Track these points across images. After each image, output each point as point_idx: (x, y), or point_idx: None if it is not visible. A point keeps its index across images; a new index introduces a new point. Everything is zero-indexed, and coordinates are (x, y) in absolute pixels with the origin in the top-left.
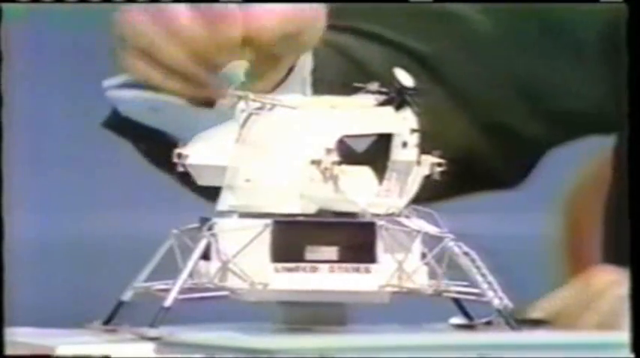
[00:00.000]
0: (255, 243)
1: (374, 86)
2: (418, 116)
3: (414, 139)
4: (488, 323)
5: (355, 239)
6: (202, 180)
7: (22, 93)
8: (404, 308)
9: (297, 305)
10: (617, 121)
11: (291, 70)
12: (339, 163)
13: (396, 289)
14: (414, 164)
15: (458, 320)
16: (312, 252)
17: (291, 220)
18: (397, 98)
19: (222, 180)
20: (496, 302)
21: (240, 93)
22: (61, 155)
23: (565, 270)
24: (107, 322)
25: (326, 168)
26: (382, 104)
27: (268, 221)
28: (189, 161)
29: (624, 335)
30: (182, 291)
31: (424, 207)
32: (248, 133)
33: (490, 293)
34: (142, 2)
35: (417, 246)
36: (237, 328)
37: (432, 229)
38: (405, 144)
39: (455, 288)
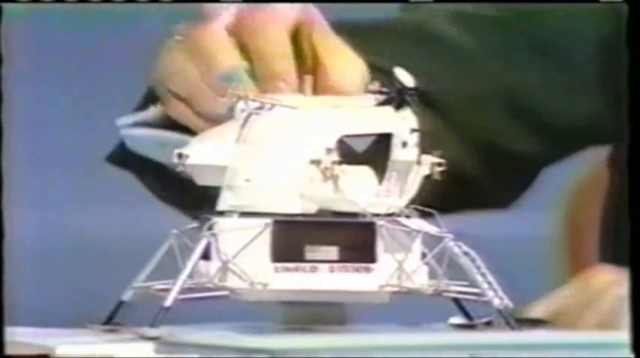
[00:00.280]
0: (255, 242)
1: (374, 86)
2: (418, 116)
3: (413, 139)
4: (488, 323)
5: (355, 239)
6: (202, 180)
7: (22, 94)
8: (404, 308)
9: (297, 305)
10: (612, 133)
11: None
12: (339, 163)
13: (396, 289)
14: (414, 164)
15: (458, 320)
16: (312, 252)
17: (291, 220)
18: (397, 98)
19: (222, 180)
20: (496, 302)
21: (240, 93)
22: (61, 155)
23: (565, 270)
24: (107, 322)
25: (326, 168)
26: (382, 104)
27: (268, 221)
28: (189, 161)
29: (624, 335)
30: (182, 291)
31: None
32: (248, 133)
33: (490, 293)
34: (142, 2)
35: (417, 246)
36: (237, 328)
37: (432, 229)
38: (404, 144)
39: (455, 288)
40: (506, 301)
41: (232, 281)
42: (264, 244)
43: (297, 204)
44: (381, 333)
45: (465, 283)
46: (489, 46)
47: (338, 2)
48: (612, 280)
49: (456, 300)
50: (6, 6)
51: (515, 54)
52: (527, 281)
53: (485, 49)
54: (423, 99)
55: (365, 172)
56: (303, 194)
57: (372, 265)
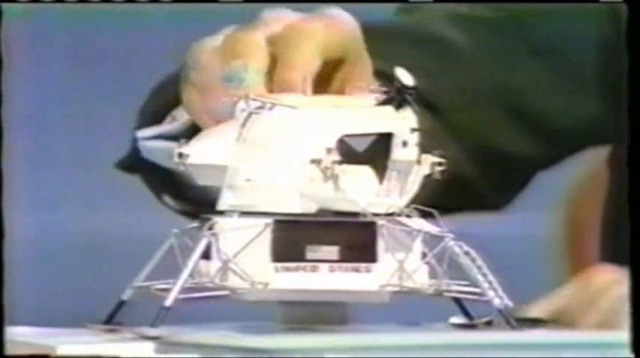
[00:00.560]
0: (256, 242)
1: (374, 85)
2: (418, 115)
3: (414, 138)
4: (489, 322)
5: (356, 238)
6: (203, 180)
7: (22, 93)
8: (404, 308)
9: (298, 304)
10: (612, 133)
11: None
12: (340, 163)
13: (396, 288)
14: (415, 163)
15: (458, 319)
16: (313, 252)
17: (292, 220)
18: (397, 97)
19: (223, 180)
20: (496, 301)
21: (240, 92)
22: (61, 155)
23: (565, 269)
24: (107, 321)
25: (326, 168)
26: (382, 103)
27: (269, 220)
28: (189, 160)
29: (624, 335)
30: (182, 291)
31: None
32: (248, 133)
33: (490, 293)
34: (143, 2)
35: (418, 246)
36: (238, 328)
37: (433, 228)
38: (405, 144)
39: (455, 288)
40: (507, 301)
41: (233, 281)
42: (265, 244)
43: (297, 203)
44: (381, 333)
45: (466, 283)
46: (487, 47)
47: (338, 2)
48: (613, 280)
49: (457, 300)
50: (6, 6)
51: (513, 55)
52: (527, 280)
53: (483, 51)
54: (420, 101)
55: (365, 172)
56: (304, 193)
57: (372, 265)
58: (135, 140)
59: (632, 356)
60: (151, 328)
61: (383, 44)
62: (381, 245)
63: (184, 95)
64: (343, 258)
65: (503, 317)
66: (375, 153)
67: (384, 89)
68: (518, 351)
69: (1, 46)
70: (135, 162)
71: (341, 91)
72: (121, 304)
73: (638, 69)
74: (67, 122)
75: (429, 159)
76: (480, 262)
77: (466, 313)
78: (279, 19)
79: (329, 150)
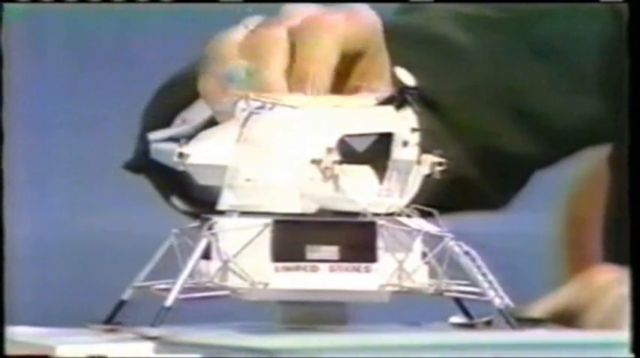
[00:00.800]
0: (256, 242)
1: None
2: (420, 115)
3: (414, 138)
4: (489, 322)
5: (356, 238)
6: (203, 180)
7: (22, 94)
8: (404, 308)
9: (298, 304)
10: (611, 133)
11: None
12: (340, 162)
13: (396, 288)
14: (415, 163)
15: (458, 319)
16: (313, 252)
17: (292, 219)
18: (398, 97)
19: (223, 180)
20: (497, 301)
21: (240, 92)
22: (61, 155)
23: (566, 269)
24: (108, 321)
25: (326, 168)
26: (383, 103)
27: (269, 220)
28: (189, 160)
29: (625, 335)
30: (183, 291)
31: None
32: (248, 133)
33: (491, 293)
34: (143, 2)
35: (418, 246)
36: (238, 327)
37: (433, 228)
38: (405, 144)
39: (455, 288)
40: (507, 300)
41: (233, 281)
42: (265, 244)
43: (297, 203)
44: (381, 333)
45: (466, 282)
46: (490, 46)
47: (339, 2)
48: (614, 279)
49: (457, 300)
50: (6, 6)
51: (515, 55)
52: (528, 280)
53: (486, 50)
54: (422, 100)
55: (365, 172)
56: (304, 193)
57: (372, 265)
58: (144, 141)
59: (632, 356)
60: (151, 328)
61: (386, 43)
62: (381, 245)
63: (203, 86)
64: (343, 258)
65: (504, 317)
66: (376, 153)
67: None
68: (518, 351)
69: (1, 46)
70: (143, 164)
71: (359, 86)
72: (121, 304)
73: (638, 69)
74: (67, 122)
75: (429, 159)
76: (479, 262)
77: (466, 313)
78: (301, 12)
79: (329, 150)
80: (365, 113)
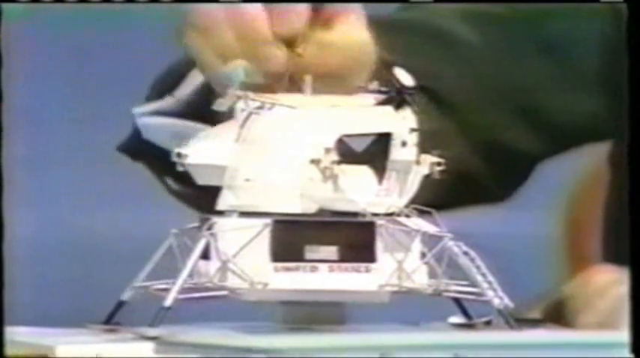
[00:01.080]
0: (255, 242)
1: (373, 85)
2: (422, 112)
3: (413, 139)
4: (488, 322)
5: (355, 238)
6: (202, 180)
7: (22, 93)
8: (403, 308)
9: (297, 304)
10: (611, 130)
11: None
12: (339, 163)
13: (395, 288)
14: (414, 163)
15: (457, 319)
16: (312, 252)
17: (291, 220)
18: (396, 97)
19: (222, 180)
20: (496, 301)
21: (240, 92)
22: (61, 155)
23: (565, 269)
24: (107, 321)
25: (325, 168)
26: (381, 103)
27: (268, 220)
28: (188, 160)
29: (624, 335)
30: (182, 291)
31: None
32: (248, 133)
33: (490, 293)
34: (142, 2)
35: (417, 246)
36: (237, 327)
37: (432, 228)
38: (404, 144)
39: (454, 288)
40: (506, 301)
41: (232, 281)
42: (264, 244)
43: (296, 203)
44: (380, 333)
45: (465, 283)
46: (495, 43)
47: (339, 1)
48: (613, 279)
49: (456, 300)
50: (6, 6)
51: (519, 52)
52: (527, 280)
53: (491, 46)
54: (427, 95)
55: (364, 172)
56: (303, 194)
57: (371, 265)
58: (135, 120)
59: (632, 356)
60: (151, 328)
61: (392, 37)
62: (380, 245)
63: (186, 40)
64: (342, 258)
65: (503, 317)
66: (375, 153)
67: (384, 89)
68: (518, 351)
69: (1, 46)
70: (136, 145)
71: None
72: (121, 304)
73: (638, 68)
74: (67, 122)
75: (428, 159)
76: (479, 262)
77: (465, 313)
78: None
79: (328, 150)
80: (364, 113)
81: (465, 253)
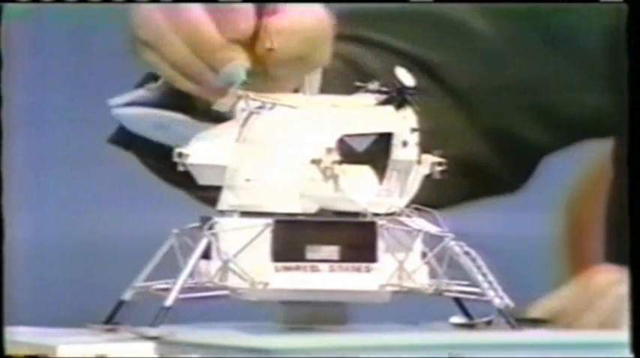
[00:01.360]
0: (256, 242)
1: (374, 85)
2: (419, 116)
3: (414, 138)
4: (489, 322)
5: (356, 238)
6: (203, 180)
7: (22, 93)
8: (404, 308)
9: (298, 304)
10: (616, 126)
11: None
12: (340, 162)
13: (396, 288)
14: (415, 163)
15: (458, 319)
16: (313, 252)
17: (292, 219)
18: (397, 97)
19: (223, 180)
20: (497, 301)
21: (240, 92)
22: (61, 155)
23: (566, 269)
24: (108, 321)
25: (326, 168)
26: (382, 103)
27: (269, 220)
28: (189, 160)
29: (624, 335)
30: (183, 291)
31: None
32: (248, 132)
33: (491, 293)
34: (142, 2)
35: (418, 246)
36: (238, 327)
37: (433, 228)
38: (405, 144)
39: (455, 288)
40: (507, 300)
41: (233, 281)
42: (265, 244)
43: (297, 203)
44: (381, 333)
45: (466, 282)
46: (508, 36)
47: (338, 1)
48: (614, 280)
49: (457, 300)
50: (6, 6)
51: (530, 45)
52: (527, 280)
53: (502, 38)
54: (436, 82)
55: (365, 172)
56: (304, 193)
57: (372, 265)
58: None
59: (632, 356)
60: (151, 328)
61: (407, 26)
62: (381, 245)
63: (142, 57)
64: (343, 258)
65: (504, 317)
66: (375, 153)
67: (385, 89)
68: (518, 351)
69: (1, 46)
70: (125, 136)
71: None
72: (121, 304)
73: (638, 68)
74: (67, 122)
75: (429, 158)
76: (480, 262)
77: (466, 313)
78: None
79: (329, 150)
80: (365, 113)
81: (466, 253)
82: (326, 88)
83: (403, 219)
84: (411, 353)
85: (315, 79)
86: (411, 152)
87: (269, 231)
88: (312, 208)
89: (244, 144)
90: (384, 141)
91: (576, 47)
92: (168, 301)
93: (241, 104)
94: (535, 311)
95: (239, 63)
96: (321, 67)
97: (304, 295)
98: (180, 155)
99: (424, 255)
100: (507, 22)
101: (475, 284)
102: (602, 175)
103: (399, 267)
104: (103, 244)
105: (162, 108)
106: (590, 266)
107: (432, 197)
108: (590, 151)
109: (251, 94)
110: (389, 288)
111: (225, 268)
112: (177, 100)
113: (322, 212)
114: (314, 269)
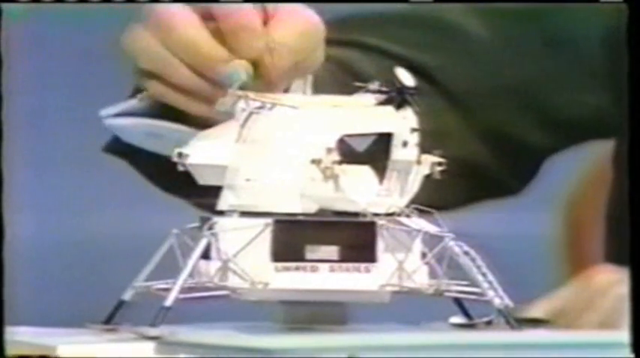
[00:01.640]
0: (256, 242)
1: (374, 85)
2: (419, 117)
3: (414, 138)
4: (489, 322)
5: (356, 238)
6: (203, 180)
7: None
8: (404, 308)
9: (298, 304)
10: (616, 127)
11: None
12: (340, 162)
13: (396, 288)
14: (415, 163)
15: (458, 319)
16: (313, 252)
17: (292, 219)
18: (397, 97)
19: (223, 180)
20: (496, 301)
21: (240, 92)
22: (61, 155)
23: (566, 269)
24: (108, 321)
25: (326, 168)
26: (382, 103)
27: (269, 220)
28: (189, 160)
29: (624, 335)
30: (182, 291)
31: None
32: (248, 132)
33: (490, 293)
34: (143, 2)
35: (418, 246)
36: (238, 327)
37: (433, 228)
38: (405, 144)
39: (455, 288)
40: (507, 301)
41: (233, 281)
42: (265, 244)
43: (297, 203)
44: (381, 333)
45: (466, 283)
46: (504, 37)
47: (337, 2)
48: (614, 280)
49: (457, 300)
50: (6, 6)
51: (528, 47)
52: (527, 280)
53: (500, 40)
54: (434, 86)
55: (365, 172)
56: (304, 193)
57: (372, 265)
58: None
59: (632, 356)
60: (151, 328)
61: (403, 32)
62: (380, 245)
63: (147, 88)
64: (343, 258)
65: (503, 317)
66: (375, 153)
67: (385, 89)
68: (518, 351)
69: (1, 46)
70: (119, 145)
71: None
72: (121, 304)
73: (638, 68)
74: (67, 122)
75: (429, 159)
76: (479, 262)
77: (466, 313)
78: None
79: (329, 150)
80: (365, 113)
81: (466, 253)
82: (322, 93)
83: (403, 219)
84: (411, 353)
85: (307, 82)
86: (411, 152)
87: (269, 231)
88: (312, 208)
89: (244, 144)
90: (384, 141)
91: (576, 47)
92: (168, 301)
93: (241, 104)
94: (535, 311)
95: (239, 63)
96: (313, 71)
97: (304, 295)
98: (180, 155)
99: (424, 255)
100: (505, 23)
101: (475, 285)
102: (602, 175)
103: (399, 267)
104: (103, 244)
105: (155, 117)
106: (590, 266)
107: (433, 198)
108: (590, 152)
109: (251, 94)
110: (389, 288)
111: (225, 268)
112: (169, 109)
113: (322, 212)
114: (314, 270)
